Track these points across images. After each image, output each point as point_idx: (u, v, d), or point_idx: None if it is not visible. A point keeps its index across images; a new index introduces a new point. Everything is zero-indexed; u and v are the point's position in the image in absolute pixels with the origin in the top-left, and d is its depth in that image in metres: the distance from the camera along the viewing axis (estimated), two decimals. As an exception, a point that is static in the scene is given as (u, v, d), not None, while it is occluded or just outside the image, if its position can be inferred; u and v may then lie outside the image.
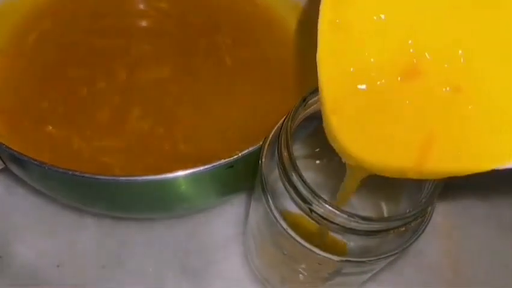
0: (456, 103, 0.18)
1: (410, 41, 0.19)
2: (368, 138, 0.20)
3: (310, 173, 0.28)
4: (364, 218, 0.20)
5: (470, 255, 0.36)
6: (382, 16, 0.19)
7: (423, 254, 0.36)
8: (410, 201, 0.26)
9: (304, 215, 0.22)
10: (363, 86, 0.19)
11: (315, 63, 0.35)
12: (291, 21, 0.39)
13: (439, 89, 0.19)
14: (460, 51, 0.18)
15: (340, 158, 0.30)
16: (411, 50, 0.19)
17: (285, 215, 0.24)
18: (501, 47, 0.18)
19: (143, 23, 0.40)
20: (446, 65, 0.19)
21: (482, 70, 0.18)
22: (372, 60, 0.19)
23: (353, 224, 0.20)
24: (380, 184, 0.29)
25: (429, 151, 0.19)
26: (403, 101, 0.19)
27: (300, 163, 0.22)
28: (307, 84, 0.36)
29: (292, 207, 0.22)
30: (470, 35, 0.18)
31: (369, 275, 0.27)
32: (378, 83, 0.19)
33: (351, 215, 0.20)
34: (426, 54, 0.19)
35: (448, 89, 0.18)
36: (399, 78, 0.19)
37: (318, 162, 0.31)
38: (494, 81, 0.18)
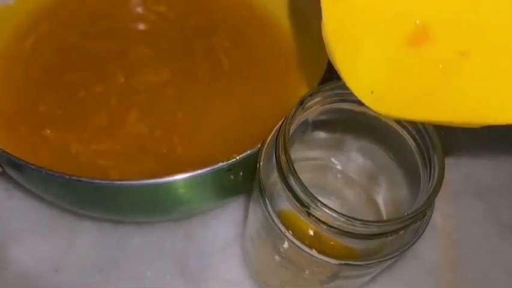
0: (460, 65, 0.19)
1: (417, 7, 0.19)
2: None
3: (308, 175, 0.28)
4: (363, 222, 0.20)
5: (470, 256, 0.36)
6: None
7: (422, 255, 0.36)
8: (408, 202, 0.26)
9: (303, 218, 0.22)
10: (372, 55, 0.19)
11: (313, 64, 0.35)
12: (287, 23, 0.39)
13: (446, 53, 0.19)
14: (469, 15, 0.18)
15: (342, 159, 0.30)
16: (417, 20, 0.19)
17: (284, 218, 0.23)
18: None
19: (141, 26, 0.40)
20: (454, 30, 0.19)
21: (491, 33, 0.19)
22: (377, 27, 0.19)
23: (352, 228, 0.20)
24: (378, 185, 0.29)
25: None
26: (410, 64, 0.19)
27: (298, 165, 0.21)
28: (305, 86, 0.36)
29: (290, 209, 0.22)
30: None
31: (369, 277, 0.27)
32: (386, 50, 0.19)
33: (349, 218, 0.20)
34: (435, 19, 0.19)
35: (454, 53, 0.19)
36: (406, 44, 0.19)
37: (316, 164, 0.31)
38: (500, 45, 0.19)
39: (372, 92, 0.20)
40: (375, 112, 0.21)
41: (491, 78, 0.19)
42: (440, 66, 0.19)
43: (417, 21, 0.19)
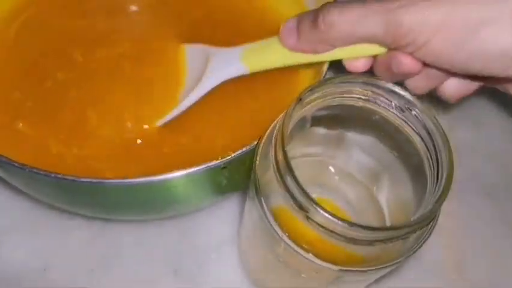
0: None
1: None
2: None
3: (307, 172, 0.27)
4: (365, 228, 0.18)
5: (474, 255, 0.35)
6: None
7: (427, 254, 0.35)
8: (412, 202, 0.25)
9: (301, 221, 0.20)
10: None
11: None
12: (286, 15, 0.38)
13: None
14: None
15: (342, 155, 0.29)
16: None
17: (280, 218, 0.22)
18: None
19: (134, 8, 0.38)
20: None
21: None
22: None
23: (354, 234, 0.19)
24: (380, 183, 0.28)
25: None
26: None
27: (296, 162, 0.20)
28: (307, 80, 0.34)
29: (286, 208, 0.21)
30: None
31: (371, 281, 0.26)
32: None
33: (351, 224, 0.18)
34: None
35: None
36: None
37: (316, 161, 0.30)
38: None
39: None
40: None
41: None
42: None
43: None
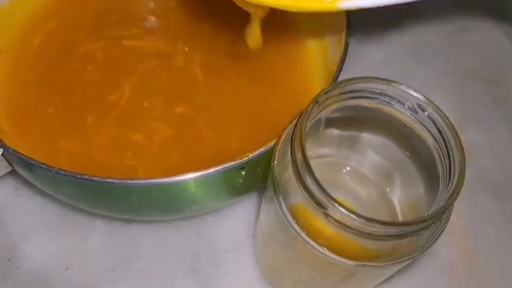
0: None
1: None
2: None
3: (321, 173, 0.28)
4: (382, 223, 0.19)
5: (484, 255, 0.36)
6: None
7: (436, 253, 0.35)
8: (424, 201, 0.25)
9: (319, 218, 0.21)
10: None
11: (328, 60, 0.34)
12: (299, 20, 0.39)
13: None
14: None
15: (355, 156, 0.29)
16: None
17: (298, 217, 0.23)
18: None
19: (153, 20, 0.39)
20: None
21: None
22: None
23: (370, 229, 0.20)
24: (393, 183, 0.29)
25: None
26: None
27: (311, 163, 0.21)
28: (320, 82, 0.35)
29: (305, 207, 0.22)
30: None
31: (384, 277, 0.26)
32: None
33: (368, 219, 0.19)
34: None
35: None
36: None
37: (329, 162, 0.30)
38: None
39: None
40: None
41: None
42: None
43: None
